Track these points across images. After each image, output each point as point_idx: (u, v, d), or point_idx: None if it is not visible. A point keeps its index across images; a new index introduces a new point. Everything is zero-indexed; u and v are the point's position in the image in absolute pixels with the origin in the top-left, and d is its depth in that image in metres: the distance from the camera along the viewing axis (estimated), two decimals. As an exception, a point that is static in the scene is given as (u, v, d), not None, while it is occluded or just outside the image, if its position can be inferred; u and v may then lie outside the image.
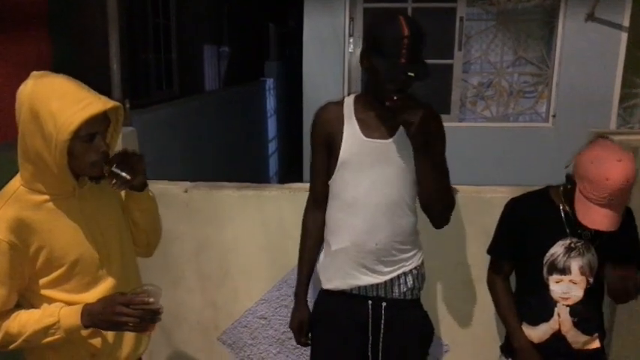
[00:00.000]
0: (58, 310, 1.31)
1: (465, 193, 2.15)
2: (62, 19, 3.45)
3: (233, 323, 2.36)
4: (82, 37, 3.61)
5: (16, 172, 1.36)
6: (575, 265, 1.64)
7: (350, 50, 4.75)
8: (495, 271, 1.84)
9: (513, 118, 5.01)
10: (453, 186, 2.00)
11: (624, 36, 4.47)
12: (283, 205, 2.24)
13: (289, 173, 7.50)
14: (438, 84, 4.77)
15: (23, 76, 1.30)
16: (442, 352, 2.29)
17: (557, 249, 1.66)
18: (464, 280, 2.21)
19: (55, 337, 1.30)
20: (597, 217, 1.52)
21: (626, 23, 4.45)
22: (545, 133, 4.70)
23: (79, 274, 1.37)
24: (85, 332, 1.32)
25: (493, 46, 4.91)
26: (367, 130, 1.62)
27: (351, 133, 1.62)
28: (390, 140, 1.60)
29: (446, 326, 2.25)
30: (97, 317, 1.30)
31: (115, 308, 1.29)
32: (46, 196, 1.32)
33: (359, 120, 1.63)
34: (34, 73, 1.29)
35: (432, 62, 5.45)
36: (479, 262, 2.14)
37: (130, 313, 1.29)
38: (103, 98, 1.30)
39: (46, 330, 1.29)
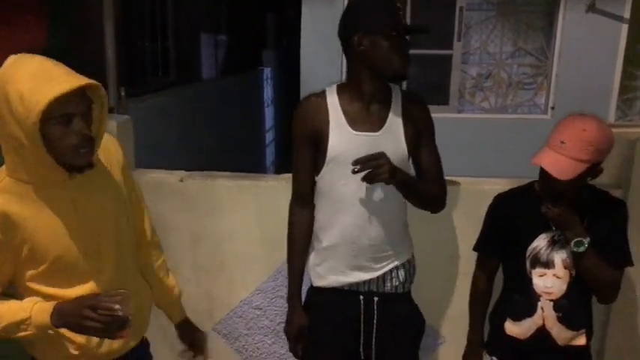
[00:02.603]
0: (32, 305, 1.23)
1: (462, 185, 2.14)
2: (58, 6, 3.42)
3: (228, 313, 2.36)
4: (78, 24, 3.57)
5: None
6: (559, 258, 1.62)
7: (348, 40, 4.71)
8: (481, 268, 1.83)
9: (512, 109, 5.00)
10: (453, 179, 1.99)
11: (625, 28, 4.45)
12: (280, 195, 2.21)
13: (286, 164, 7.46)
14: (437, 74, 4.74)
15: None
16: (437, 344, 2.29)
17: (540, 242, 1.64)
18: (459, 271, 2.20)
19: (27, 332, 1.23)
20: (546, 157, 1.53)
21: (627, 15, 4.44)
22: (543, 125, 4.65)
23: (64, 269, 1.30)
24: (52, 330, 1.24)
25: (493, 36, 4.88)
26: (355, 123, 1.55)
27: (339, 127, 1.55)
28: (380, 132, 1.55)
29: (441, 318, 2.25)
30: (66, 318, 1.22)
31: (82, 311, 1.20)
32: (32, 186, 1.25)
33: (345, 113, 1.56)
34: (11, 56, 1.21)
35: (430, 52, 5.46)
36: (475, 254, 2.13)
37: (95, 318, 1.20)
38: (78, 76, 1.19)
39: (18, 324, 1.23)
